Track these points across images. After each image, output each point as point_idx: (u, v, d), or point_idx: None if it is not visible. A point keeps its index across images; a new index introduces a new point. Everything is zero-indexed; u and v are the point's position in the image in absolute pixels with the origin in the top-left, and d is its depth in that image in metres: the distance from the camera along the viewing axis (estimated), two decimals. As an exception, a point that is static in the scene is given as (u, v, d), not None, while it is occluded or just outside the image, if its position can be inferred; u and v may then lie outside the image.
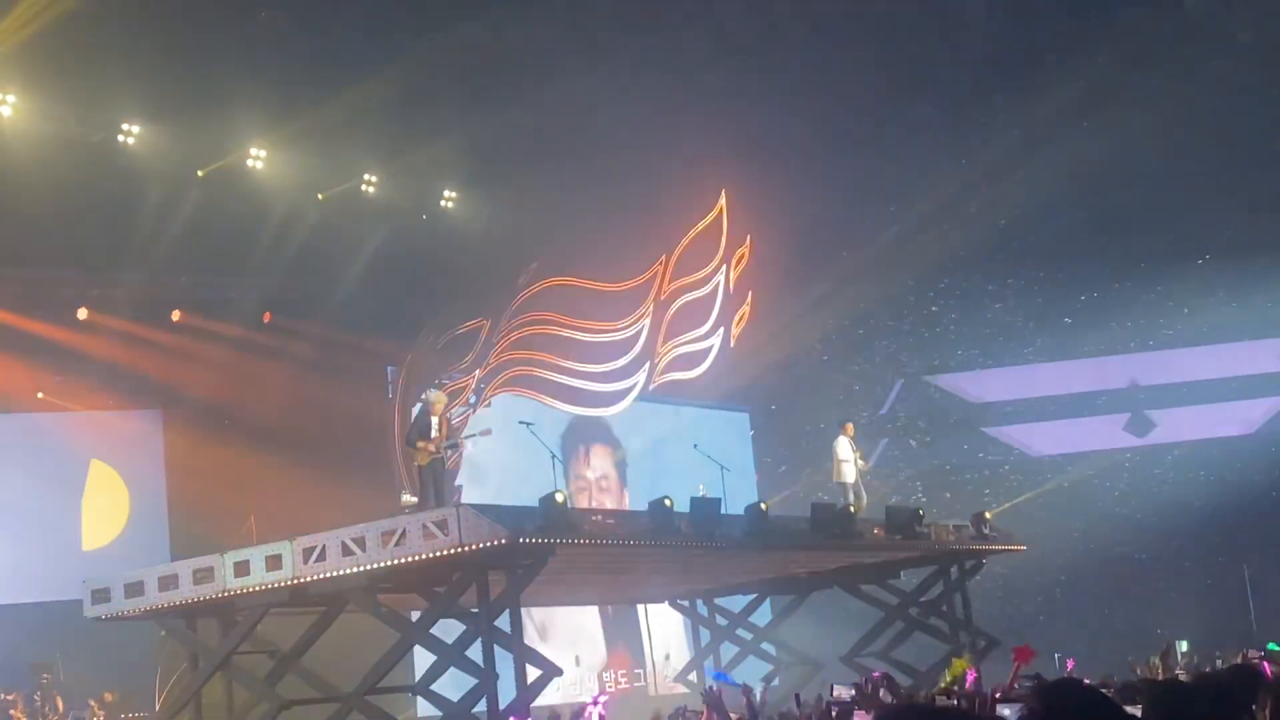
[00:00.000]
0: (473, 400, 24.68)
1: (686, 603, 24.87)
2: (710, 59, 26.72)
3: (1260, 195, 30.01)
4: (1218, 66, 28.54)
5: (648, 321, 27.09)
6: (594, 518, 16.76)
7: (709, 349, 28.44)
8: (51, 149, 20.89)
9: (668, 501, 16.98)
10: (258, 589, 16.06)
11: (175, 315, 23.74)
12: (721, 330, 28.52)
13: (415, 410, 21.46)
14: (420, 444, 18.02)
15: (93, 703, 20.60)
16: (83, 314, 22.99)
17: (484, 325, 24.96)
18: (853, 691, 15.55)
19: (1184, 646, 25.13)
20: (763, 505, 18.72)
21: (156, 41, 20.93)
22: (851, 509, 20.82)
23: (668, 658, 27.11)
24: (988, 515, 23.69)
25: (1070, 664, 20.55)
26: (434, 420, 18.28)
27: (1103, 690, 9.85)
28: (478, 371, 24.73)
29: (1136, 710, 6.74)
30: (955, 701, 12.23)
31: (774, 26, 26.92)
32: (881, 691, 14.80)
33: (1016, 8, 28.74)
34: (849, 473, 22.52)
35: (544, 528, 15.21)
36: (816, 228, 29.78)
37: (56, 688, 20.65)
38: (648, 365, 27.19)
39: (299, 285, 24.95)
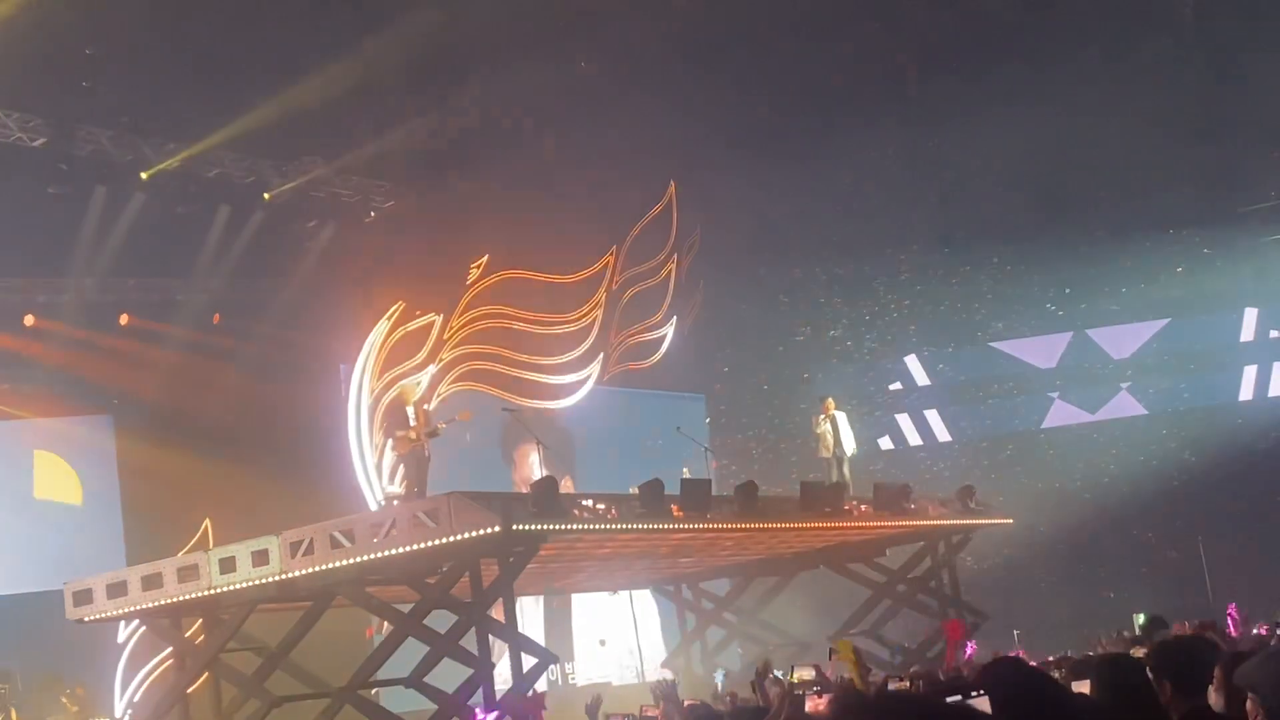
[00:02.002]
0: (426, 396, 24.59)
1: (671, 587, 24.88)
2: (657, 50, 26.69)
3: (1202, 169, 30.29)
4: (1157, 43, 28.81)
5: (600, 312, 27.09)
6: (585, 502, 16.66)
7: (662, 338, 28.49)
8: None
9: (659, 484, 16.98)
10: (244, 585, 15.96)
11: (123, 319, 23.58)
12: (674, 319, 28.58)
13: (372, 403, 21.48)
14: (399, 434, 18.02)
15: (64, 699, 20.47)
16: (29, 320, 22.81)
17: (435, 320, 24.88)
18: (813, 673, 15.58)
19: (1140, 620, 25.31)
20: (754, 484, 18.69)
21: (100, 44, 20.80)
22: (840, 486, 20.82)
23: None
24: (974, 489, 23.72)
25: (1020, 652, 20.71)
26: (409, 410, 18.27)
27: (1053, 668, 9.94)
28: (431, 367, 24.63)
29: (1085, 685, 6.77)
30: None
31: (720, 16, 26.90)
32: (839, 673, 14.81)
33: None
34: (822, 449, 22.56)
35: (536, 514, 15.14)
36: (766, 215, 29.86)
37: (14, 698, 20.49)
38: (601, 356, 27.19)
39: (248, 286, 24.83)
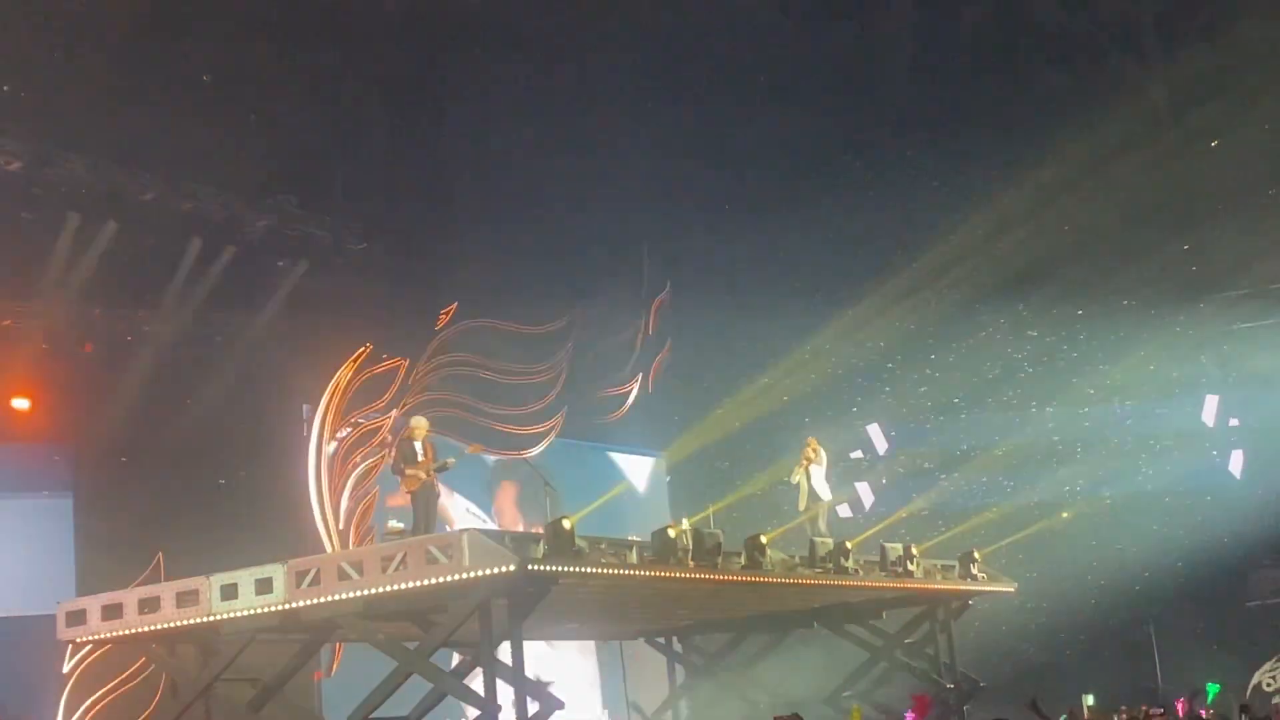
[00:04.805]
0: (389, 440, 24.50)
1: (662, 639, 24.71)
2: (633, 110, 26.90)
3: (1169, 253, 30.64)
4: (1130, 126, 29.16)
5: (566, 366, 27.13)
6: (600, 546, 16.58)
7: (626, 393, 28.52)
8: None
9: (671, 532, 16.95)
10: (246, 614, 15.78)
11: (87, 347, 23.39)
12: (639, 375, 28.62)
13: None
14: (409, 471, 17.89)
15: None
16: (-9, 344, 22.62)
17: (402, 365, 24.84)
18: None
19: (1090, 700, 25.35)
20: (763, 538, 18.61)
21: (79, 72, 20.79)
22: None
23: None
24: (976, 555, 23.59)
25: None
26: (418, 445, 18.15)
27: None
28: (394, 412, 24.57)
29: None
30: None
31: (698, 79, 27.18)
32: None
33: (939, 68, 29.24)
34: (799, 501, 22.44)
35: (550, 555, 15.03)
36: (734, 276, 29.98)
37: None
38: (565, 408, 27.20)
39: (215, 320, 24.70)
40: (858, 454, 33.29)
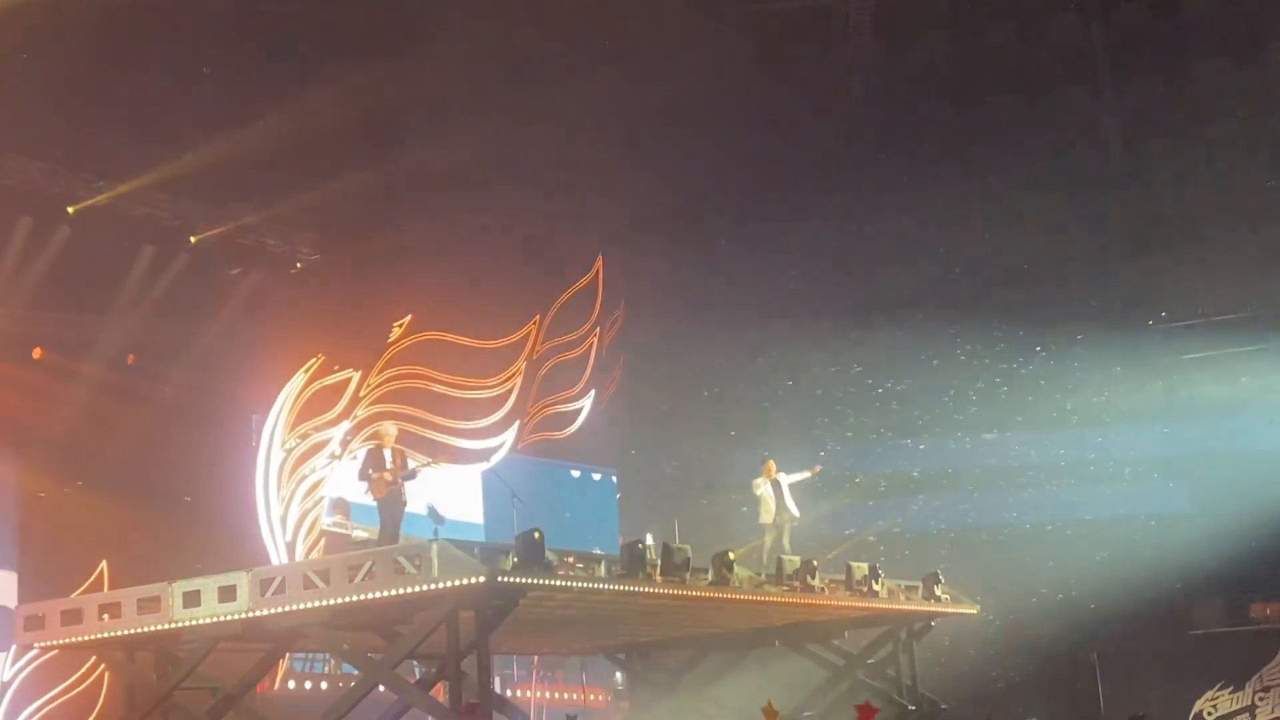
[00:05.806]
0: (338, 452, 24.37)
1: (622, 656, 24.58)
2: (592, 127, 26.91)
3: (1122, 282, 30.86)
4: (1087, 157, 29.39)
5: (519, 380, 27.04)
6: (568, 559, 16.44)
7: (579, 410, 28.45)
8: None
9: (640, 546, 16.92)
10: (208, 621, 15.61)
11: (36, 352, 23.22)
12: (592, 392, 28.56)
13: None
14: (375, 476, 17.76)
15: None
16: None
17: (353, 377, 24.72)
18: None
19: (1036, 729, 25.44)
20: (731, 554, 18.52)
21: (32, 75, 20.66)
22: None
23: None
24: (941, 576, 23.62)
25: None
26: (387, 453, 18.03)
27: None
28: (345, 423, 24.45)
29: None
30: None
31: (656, 100, 27.18)
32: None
33: (896, 96, 29.41)
34: (763, 513, 22.35)
35: (520, 567, 14.89)
36: (690, 296, 30.02)
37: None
38: (517, 424, 27.11)
39: (165, 328, 24.58)
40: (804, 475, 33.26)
